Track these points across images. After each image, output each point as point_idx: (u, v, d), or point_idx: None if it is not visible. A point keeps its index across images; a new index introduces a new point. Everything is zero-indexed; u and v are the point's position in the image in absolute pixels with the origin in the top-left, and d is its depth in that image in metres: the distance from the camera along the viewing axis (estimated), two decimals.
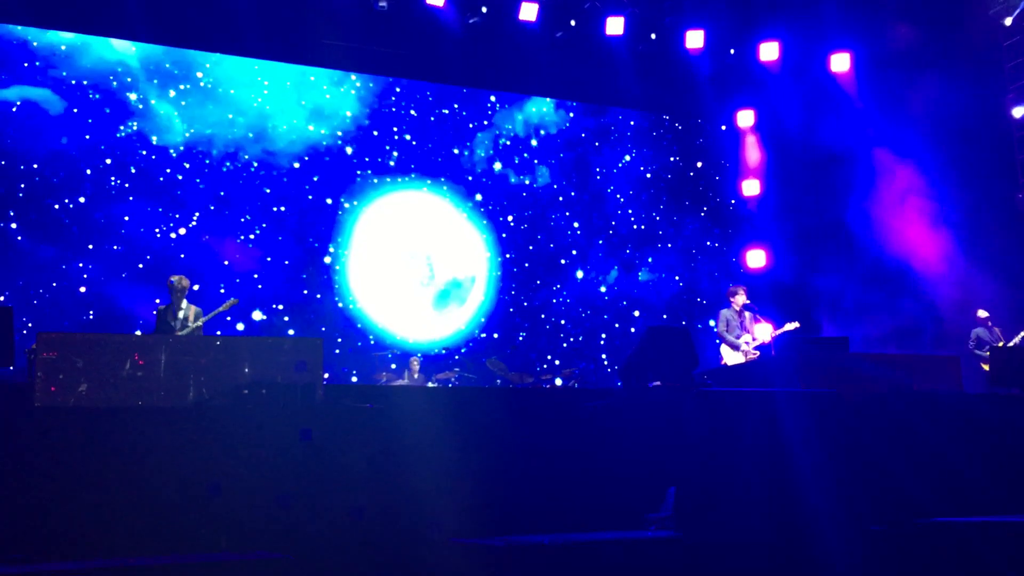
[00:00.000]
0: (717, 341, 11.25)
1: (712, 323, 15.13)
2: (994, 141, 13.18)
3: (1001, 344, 11.10)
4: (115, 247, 12.10)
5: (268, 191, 13.10)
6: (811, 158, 14.49)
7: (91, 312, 11.76)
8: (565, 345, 14.58)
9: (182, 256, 12.24)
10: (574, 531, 5.59)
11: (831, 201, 14.24)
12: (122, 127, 12.30)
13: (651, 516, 6.08)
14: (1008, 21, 13.03)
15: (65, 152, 11.92)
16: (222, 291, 12.37)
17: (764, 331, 11.85)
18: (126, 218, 12.22)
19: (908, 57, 13.19)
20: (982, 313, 11.38)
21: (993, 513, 6.03)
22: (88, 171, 12.06)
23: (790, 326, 10.65)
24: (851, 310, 13.63)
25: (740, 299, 10.73)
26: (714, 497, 5.74)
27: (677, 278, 15.61)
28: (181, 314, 8.79)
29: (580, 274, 15.06)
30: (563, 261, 14.99)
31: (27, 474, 5.05)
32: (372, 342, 13.34)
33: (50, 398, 5.81)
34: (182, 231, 12.50)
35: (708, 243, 15.82)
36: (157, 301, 11.86)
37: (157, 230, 12.35)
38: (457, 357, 13.14)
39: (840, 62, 13.97)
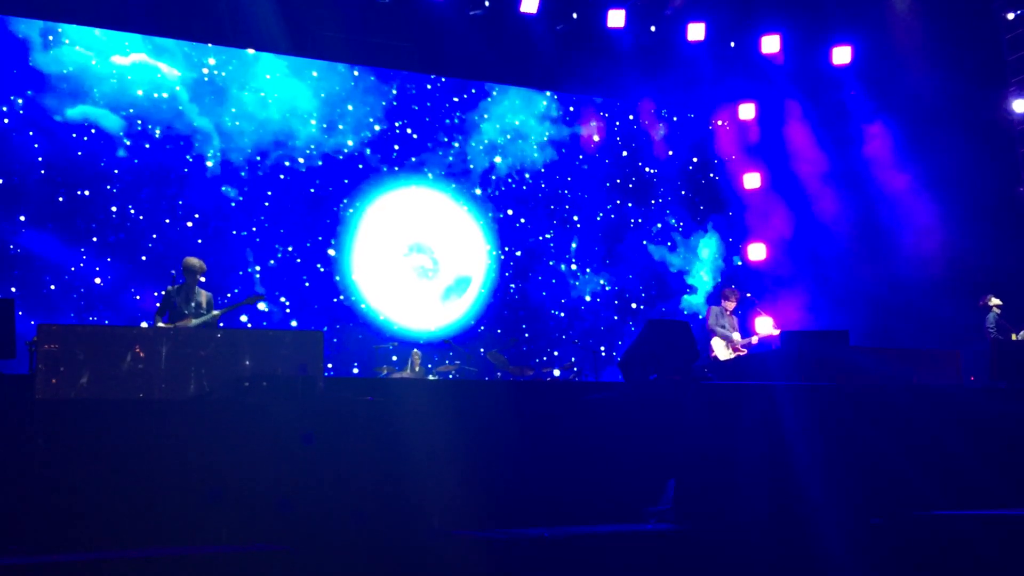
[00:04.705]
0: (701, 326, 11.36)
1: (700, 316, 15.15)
2: (995, 135, 13.16)
3: (1015, 336, 11.09)
4: (120, 240, 12.11)
5: (271, 184, 13.10)
6: (812, 151, 14.46)
7: (101, 308, 11.80)
8: (563, 337, 14.59)
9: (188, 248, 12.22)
10: (574, 524, 5.60)
11: (832, 197, 14.22)
12: (140, 122, 12.32)
13: (651, 509, 6.09)
14: (1010, 16, 13.01)
15: (81, 150, 11.95)
16: (233, 291, 12.40)
17: (765, 324, 11.92)
18: (132, 210, 12.23)
19: (909, 51, 13.15)
20: (995, 301, 11.33)
21: (992, 506, 6.05)
22: (102, 163, 12.08)
23: (762, 332, 10.96)
24: (851, 303, 13.62)
25: (731, 304, 10.90)
26: (714, 490, 5.75)
27: (675, 271, 15.61)
28: (193, 299, 8.68)
29: (575, 267, 15.06)
30: (563, 254, 14.99)
31: (27, 466, 5.06)
32: (374, 334, 13.35)
33: (51, 390, 5.81)
34: (189, 224, 12.51)
35: (708, 236, 15.81)
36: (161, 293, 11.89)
37: (166, 223, 12.37)
38: (451, 353, 13.12)
39: (841, 55, 13.94)
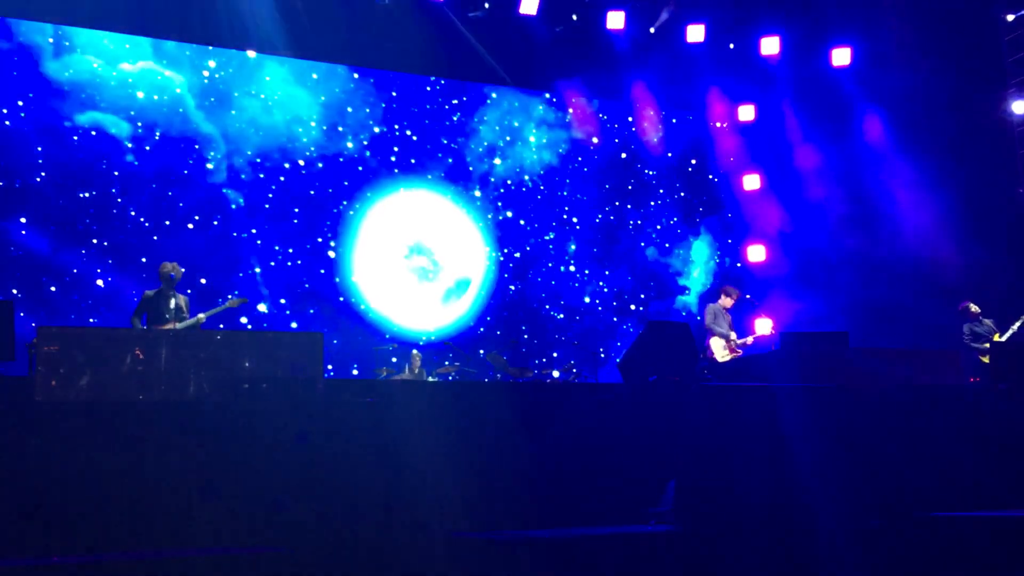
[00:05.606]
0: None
1: (698, 317, 15.16)
2: (995, 136, 13.16)
3: (996, 336, 11.11)
4: (121, 242, 12.12)
5: (272, 186, 13.11)
6: (812, 153, 14.45)
7: (102, 311, 11.83)
8: (560, 338, 14.60)
9: (187, 251, 12.23)
10: (574, 525, 5.60)
11: (831, 199, 14.22)
12: (140, 124, 12.33)
13: (651, 510, 6.09)
14: (1010, 17, 13.01)
15: (84, 154, 11.98)
16: (234, 293, 12.40)
17: (764, 325, 11.95)
18: (133, 213, 12.25)
19: (909, 52, 13.15)
20: (974, 308, 11.37)
21: (992, 508, 6.05)
22: (103, 165, 12.11)
23: (759, 333, 11.05)
24: (851, 304, 13.61)
25: (730, 301, 10.91)
26: (714, 491, 5.75)
27: (674, 272, 15.61)
28: (172, 303, 8.64)
29: (574, 268, 15.06)
30: (562, 256, 14.99)
31: (27, 468, 5.06)
32: (374, 335, 13.36)
33: (51, 392, 5.82)
34: (190, 226, 12.51)
35: (706, 237, 15.82)
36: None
37: (167, 224, 12.38)
38: (451, 355, 13.12)
39: (841, 56, 13.94)
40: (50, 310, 11.49)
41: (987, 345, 11.01)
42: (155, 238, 12.28)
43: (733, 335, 10.74)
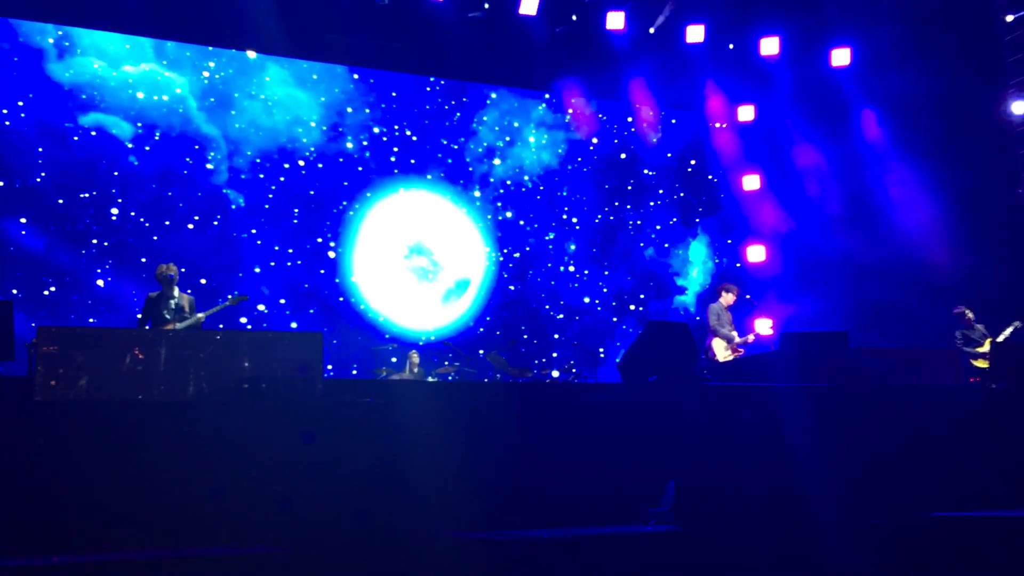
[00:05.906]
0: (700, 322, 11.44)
1: (698, 318, 15.14)
2: (994, 136, 13.16)
3: (989, 340, 11.12)
4: (121, 242, 12.13)
5: (272, 187, 13.12)
6: (811, 153, 14.45)
7: (102, 311, 11.83)
8: (560, 338, 14.59)
9: (187, 251, 12.23)
10: (573, 525, 5.60)
11: (830, 199, 14.21)
12: (140, 124, 12.35)
13: (651, 510, 6.09)
14: (1010, 18, 13.01)
15: (84, 154, 12.00)
16: (234, 293, 12.40)
17: (764, 325, 11.95)
18: (133, 213, 12.26)
19: (908, 52, 13.15)
20: (969, 314, 11.38)
21: (992, 508, 6.05)
22: (103, 166, 12.13)
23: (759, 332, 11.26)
24: (850, 305, 13.61)
25: (731, 298, 10.91)
26: (714, 491, 5.75)
27: (673, 272, 15.62)
28: (174, 303, 8.62)
29: (573, 268, 15.06)
30: (561, 256, 14.99)
31: (27, 468, 5.06)
32: (374, 335, 13.36)
33: (50, 392, 5.82)
34: (190, 226, 12.52)
35: (706, 237, 15.82)
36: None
37: (166, 224, 12.38)
38: (450, 355, 13.12)
39: (840, 57, 13.93)
40: (50, 310, 11.50)
41: (979, 350, 11.07)
42: (155, 238, 12.29)
43: (735, 335, 10.74)
